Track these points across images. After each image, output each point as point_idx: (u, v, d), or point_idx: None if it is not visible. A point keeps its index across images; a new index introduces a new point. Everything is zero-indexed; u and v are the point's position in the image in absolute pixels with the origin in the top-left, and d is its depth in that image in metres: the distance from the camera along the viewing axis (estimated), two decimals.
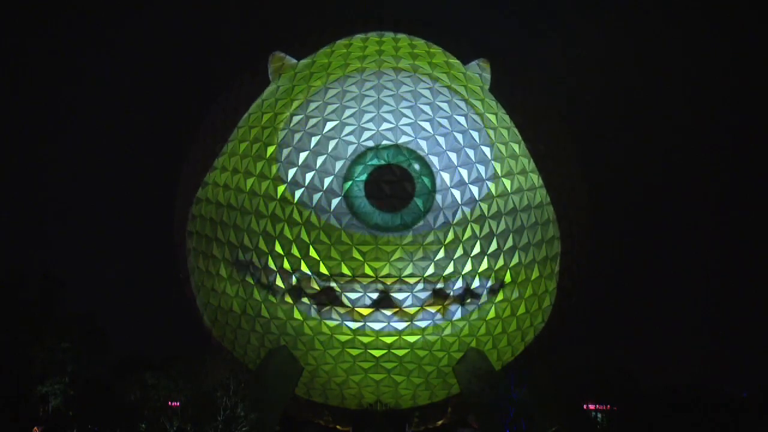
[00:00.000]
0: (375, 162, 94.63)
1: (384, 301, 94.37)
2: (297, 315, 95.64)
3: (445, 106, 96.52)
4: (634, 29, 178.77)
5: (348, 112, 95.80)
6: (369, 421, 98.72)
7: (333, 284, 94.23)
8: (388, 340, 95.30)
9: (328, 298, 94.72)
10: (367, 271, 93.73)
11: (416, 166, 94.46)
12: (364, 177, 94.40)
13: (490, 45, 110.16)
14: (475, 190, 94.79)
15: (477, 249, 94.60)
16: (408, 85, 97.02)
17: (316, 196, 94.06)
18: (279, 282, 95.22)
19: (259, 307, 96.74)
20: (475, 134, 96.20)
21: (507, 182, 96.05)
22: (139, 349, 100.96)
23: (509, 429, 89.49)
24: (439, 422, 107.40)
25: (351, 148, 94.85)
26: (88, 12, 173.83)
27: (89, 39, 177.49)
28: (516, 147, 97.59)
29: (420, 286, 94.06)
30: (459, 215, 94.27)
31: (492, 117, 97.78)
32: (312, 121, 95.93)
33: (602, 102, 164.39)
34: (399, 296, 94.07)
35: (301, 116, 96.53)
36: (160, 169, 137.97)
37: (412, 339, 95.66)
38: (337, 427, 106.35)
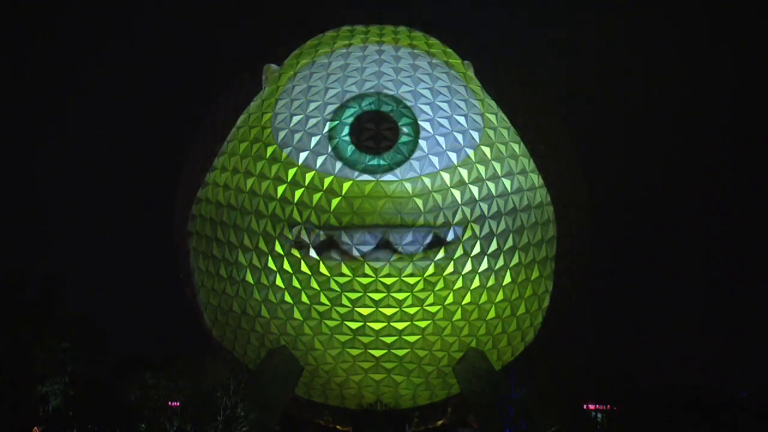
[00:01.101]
0: (374, 164, 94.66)
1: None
2: (297, 315, 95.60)
3: (445, 106, 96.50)
4: (634, 29, 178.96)
5: (348, 112, 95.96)
6: (369, 421, 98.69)
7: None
8: (388, 340, 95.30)
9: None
10: (367, 270, 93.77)
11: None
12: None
13: (490, 45, 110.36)
14: (475, 189, 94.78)
15: (477, 249, 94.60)
16: (408, 85, 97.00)
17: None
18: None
19: (259, 307, 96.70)
20: (475, 134, 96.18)
21: (507, 182, 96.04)
22: (139, 349, 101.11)
23: (509, 429, 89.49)
24: (439, 422, 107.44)
25: (350, 149, 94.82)
26: (88, 13, 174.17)
27: (89, 39, 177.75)
28: (516, 147, 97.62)
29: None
30: (459, 215, 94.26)
31: (492, 117, 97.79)
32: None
33: (602, 102, 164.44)
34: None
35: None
36: (160, 169, 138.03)
37: (412, 339, 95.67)
38: (337, 427, 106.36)
